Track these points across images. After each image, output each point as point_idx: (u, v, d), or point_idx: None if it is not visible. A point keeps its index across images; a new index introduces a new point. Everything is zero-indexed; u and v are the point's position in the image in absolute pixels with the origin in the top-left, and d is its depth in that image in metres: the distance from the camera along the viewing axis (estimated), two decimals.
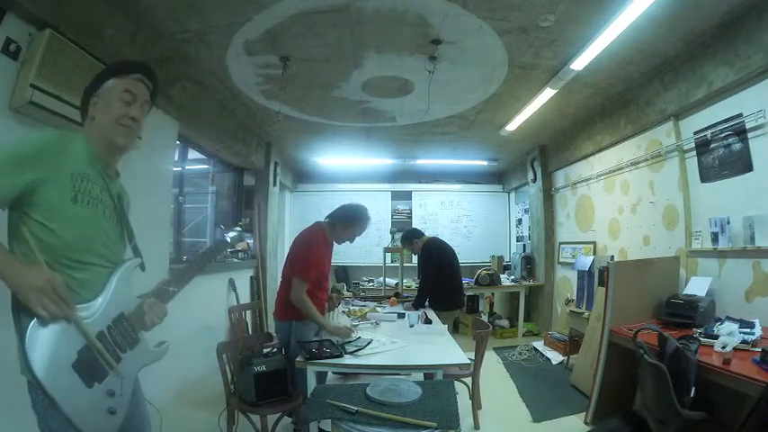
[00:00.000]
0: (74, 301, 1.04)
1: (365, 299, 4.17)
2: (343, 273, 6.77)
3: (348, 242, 2.85)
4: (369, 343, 2.35)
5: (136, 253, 1.32)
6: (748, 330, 2.14)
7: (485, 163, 6.52)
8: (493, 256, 6.55)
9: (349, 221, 2.77)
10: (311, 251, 2.62)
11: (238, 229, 1.61)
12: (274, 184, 5.59)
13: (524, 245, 6.36)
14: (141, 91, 1.27)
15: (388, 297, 4.09)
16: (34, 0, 1.87)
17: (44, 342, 0.99)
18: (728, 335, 2.11)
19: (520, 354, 4.57)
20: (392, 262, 5.98)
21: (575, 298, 4.47)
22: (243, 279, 4.87)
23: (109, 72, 1.26)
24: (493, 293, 6.21)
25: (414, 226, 6.10)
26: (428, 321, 3.03)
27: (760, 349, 1.85)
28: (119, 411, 1.14)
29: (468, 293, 5.42)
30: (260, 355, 2.45)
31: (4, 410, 1.70)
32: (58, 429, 1.02)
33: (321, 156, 6.13)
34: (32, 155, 1.05)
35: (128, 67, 1.28)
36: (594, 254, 4.41)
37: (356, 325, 2.84)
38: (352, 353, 2.18)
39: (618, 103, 3.86)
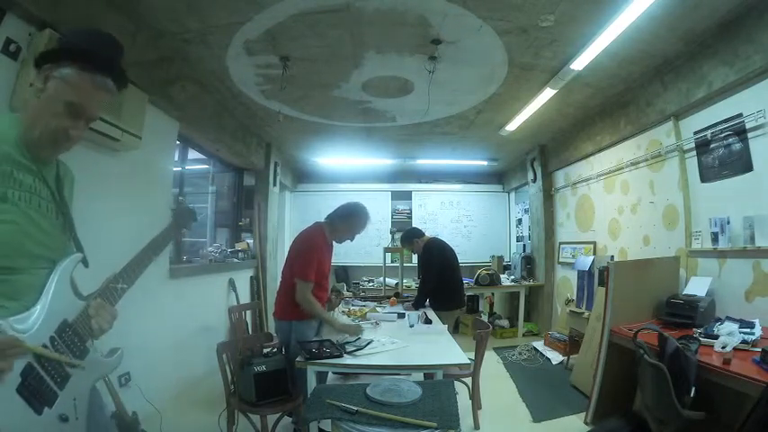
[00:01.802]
0: (16, 339, 0.86)
1: (365, 299, 4.17)
2: (343, 273, 6.77)
3: (349, 241, 2.85)
4: (368, 343, 2.35)
5: (77, 247, 1.13)
6: (748, 330, 2.14)
7: (485, 163, 6.52)
8: (493, 256, 6.55)
9: (348, 220, 2.77)
10: (311, 252, 2.63)
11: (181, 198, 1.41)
12: (274, 184, 5.59)
13: (524, 245, 6.36)
14: (93, 105, 1.04)
15: (388, 297, 4.09)
16: (34, 0, 1.87)
17: None
18: (728, 335, 2.11)
19: (520, 354, 4.57)
20: (392, 262, 5.98)
21: (575, 298, 4.46)
22: (243, 279, 4.87)
23: (75, 51, 1.03)
24: (493, 293, 6.21)
25: (414, 226, 6.10)
26: (428, 321, 3.03)
27: (760, 349, 1.85)
28: None
29: (468, 293, 5.41)
30: (260, 355, 2.45)
31: None
32: None
33: (321, 156, 6.13)
34: None
35: (98, 59, 1.03)
36: (594, 254, 4.41)
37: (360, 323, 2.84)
38: (351, 353, 2.18)
39: (618, 103, 3.86)
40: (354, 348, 2.24)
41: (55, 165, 1.09)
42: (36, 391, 0.90)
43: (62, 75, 0.99)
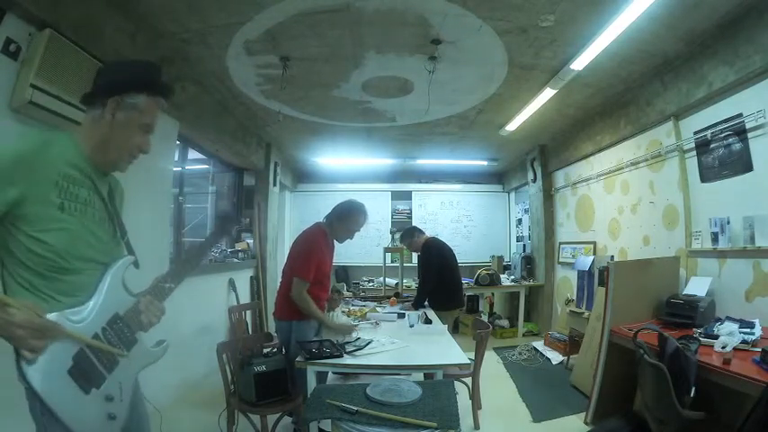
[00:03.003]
0: (56, 324, 0.98)
1: (365, 299, 4.17)
2: (343, 273, 6.77)
3: (349, 239, 2.85)
4: (368, 343, 2.34)
5: (129, 250, 1.27)
6: (748, 330, 2.14)
7: (485, 163, 6.52)
8: (493, 256, 6.56)
9: (345, 218, 2.78)
10: (312, 252, 2.63)
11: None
12: (274, 184, 5.59)
13: (524, 245, 6.36)
14: (156, 122, 1.24)
15: (388, 297, 4.09)
16: (34, 0, 1.87)
17: None
18: (728, 335, 2.11)
19: (520, 354, 4.57)
20: (392, 262, 5.98)
21: (575, 298, 4.47)
22: (243, 279, 4.87)
23: (143, 82, 1.20)
24: (493, 293, 6.21)
25: (414, 225, 6.10)
26: (428, 321, 3.03)
27: (760, 349, 1.85)
28: (119, 416, 1.11)
29: (468, 293, 5.42)
30: (260, 355, 2.45)
31: (3, 412, 1.69)
32: None
33: (321, 156, 6.13)
34: (12, 168, 0.98)
35: (159, 85, 1.24)
36: (594, 254, 4.41)
37: (356, 324, 2.84)
38: (351, 353, 2.18)
39: (618, 103, 3.86)
40: (354, 348, 2.24)
41: (108, 180, 1.25)
42: (85, 374, 1.03)
43: (135, 103, 1.16)
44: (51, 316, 0.99)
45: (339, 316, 3.18)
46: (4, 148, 1.02)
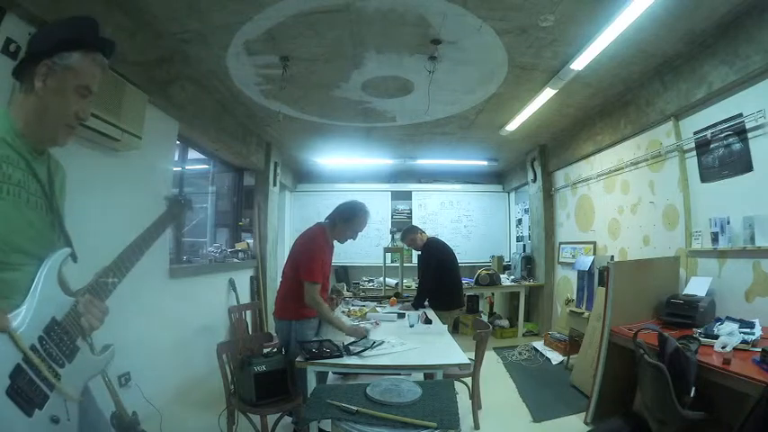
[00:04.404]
0: (5, 311, 0.86)
1: (365, 299, 4.17)
2: (343, 273, 6.77)
3: (351, 239, 2.85)
4: (374, 343, 2.32)
5: (66, 242, 1.09)
6: (748, 330, 2.14)
7: (485, 163, 6.52)
8: (493, 256, 6.56)
9: (349, 219, 2.77)
10: (315, 252, 2.62)
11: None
12: (274, 184, 5.59)
13: (524, 245, 6.36)
14: (95, 83, 1.07)
15: (388, 297, 4.09)
16: (34, 0, 1.87)
17: None
18: (728, 335, 2.11)
19: (520, 354, 4.57)
20: (392, 262, 5.98)
21: (575, 298, 4.46)
22: (243, 279, 4.87)
23: (74, 39, 1.05)
24: (493, 293, 6.21)
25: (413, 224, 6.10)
26: (428, 321, 3.03)
27: (760, 349, 1.85)
28: None
29: (468, 293, 5.42)
30: (260, 355, 2.45)
31: None
32: None
33: (321, 156, 6.13)
34: None
35: (98, 42, 1.08)
36: (594, 254, 4.41)
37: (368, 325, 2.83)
38: (358, 353, 2.17)
39: (618, 103, 3.86)
40: (362, 349, 2.22)
41: (46, 160, 1.08)
42: (25, 393, 0.87)
43: (67, 64, 1.01)
44: None
45: (339, 316, 3.18)
46: None
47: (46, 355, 0.92)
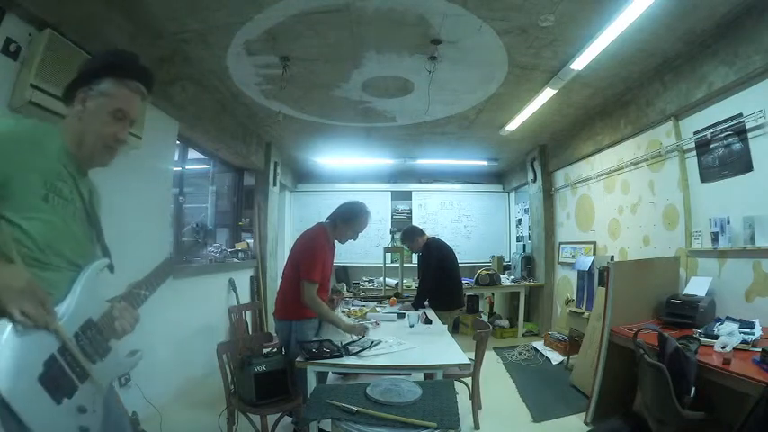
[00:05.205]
0: (53, 306, 0.94)
1: (365, 299, 4.17)
2: (343, 273, 6.77)
3: (352, 240, 2.85)
4: (372, 343, 2.32)
5: (104, 253, 1.21)
6: (748, 330, 2.14)
7: (485, 163, 6.52)
8: (493, 256, 6.56)
9: (350, 219, 2.77)
10: (316, 252, 2.62)
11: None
12: (274, 184, 5.59)
13: (524, 245, 6.36)
14: (134, 108, 1.18)
15: (388, 297, 4.09)
16: (34, 0, 1.87)
17: (6, 352, 0.86)
18: (728, 335, 2.11)
19: (520, 354, 4.57)
20: (392, 262, 5.98)
21: (575, 298, 4.46)
22: (243, 279, 4.87)
23: (107, 67, 1.14)
24: (493, 293, 6.21)
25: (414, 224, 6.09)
26: (428, 321, 3.03)
27: (760, 349, 1.85)
28: (92, 430, 1.02)
29: (468, 293, 5.41)
30: (260, 355, 2.45)
31: None
32: None
33: (321, 156, 6.13)
34: (8, 141, 0.96)
35: (129, 68, 1.18)
36: (594, 254, 4.41)
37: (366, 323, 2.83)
38: (357, 353, 2.18)
39: (618, 103, 3.86)
40: (360, 348, 2.23)
41: (89, 181, 1.21)
42: (57, 382, 0.94)
43: (101, 89, 1.12)
44: None
45: (339, 316, 3.18)
46: (1, 124, 1.01)
47: (79, 349, 1.00)
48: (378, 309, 3.53)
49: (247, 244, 5.11)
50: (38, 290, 0.92)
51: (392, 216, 7.19)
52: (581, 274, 4.32)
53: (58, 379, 0.94)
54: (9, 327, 0.88)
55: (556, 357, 4.32)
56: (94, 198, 1.24)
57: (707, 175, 2.92)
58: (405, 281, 5.34)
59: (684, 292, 2.78)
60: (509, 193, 7.33)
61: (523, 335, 5.50)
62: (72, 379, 0.98)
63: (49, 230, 1.01)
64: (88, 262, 1.12)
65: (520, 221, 6.96)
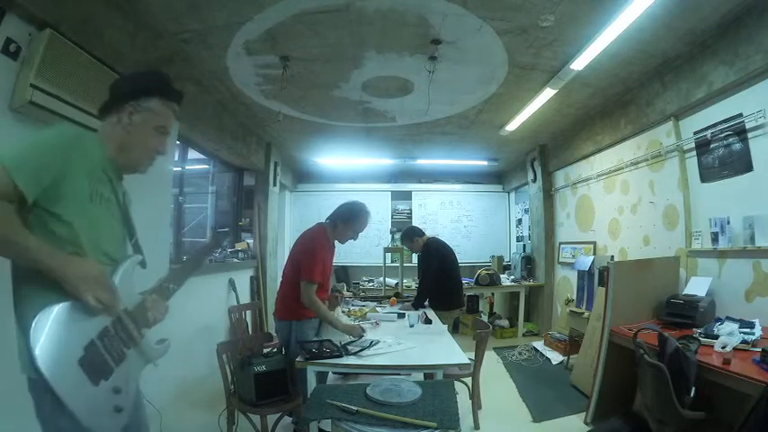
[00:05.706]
0: (119, 295, 1.09)
1: (365, 299, 4.17)
2: (343, 273, 6.77)
3: (352, 240, 2.85)
4: (371, 343, 2.33)
5: (137, 250, 1.33)
6: (748, 330, 2.14)
7: (485, 163, 6.51)
8: (493, 256, 6.56)
9: (350, 218, 2.77)
10: (316, 252, 2.62)
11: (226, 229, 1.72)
12: (274, 184, 5.59)
13: (524, 245, 6.36)
14: (171, 125, 1.34)
15: (388, 297, 4.09)
16: (34, 0, 1.87)
17: (49, 337, 0.96)
18: (728, 335, 2.11)
19: (520, 354, 4.57)
20: (392, 262, 5.98)
21: (575, 298, 4.46)
22: (243, 279, 4.87)
23: (156, 88, 1.28)
24: (493, 293, 6.21)
25: (414, 224, 6.09)
26: (428, 321, 3.03)
27: (760, 349, 1.85)
28: (125, 409, 1.12)
29: (468, 293, 5.41)
30: (260, 355, 2.45)
31: (3, 411, 1.69)
32: (65, 429, 0.98)
33: (321, 156, 6.13)
34: (62, 145, 1.07)
35: (171, 90, 1.32)
36: (594, 254, 4.41)
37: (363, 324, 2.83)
38: (356, 353, 2.18)
39: (618, 103, 3.86)
40: (359, 348, 2.23)
41: (123, 186, 1.32)
42: (95, 365, 1.03)
43: (150, 106, 1.26)
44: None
45: (339, 316, 3.18)
46: (55, 129, 1.14)
47: (116, 336, 1.11)
48: (378, 309, 3.53)
49: (247, 244, 5.11)
50: (108, 280, 1.08)
51: (392, 216, 7.18)
52: (581, 274, 4.32)
53: (96, 362, 1.04)
54: (52, 315, 0.98)
55: (556, 357, 4.32)
56: (127, 199, 1.35)
57: (707, 175, 2.92)
58: (405, 281, 5.33)
59: (684, 292, 2.78)
60: (509, 193, 7.33)
61: (523, 335, 5.50)
62: (109, 362, 1.08)
63: (94, 228, 1.13)
64: (123, 258, 1.23)
65: (520, 221, 6.96)
